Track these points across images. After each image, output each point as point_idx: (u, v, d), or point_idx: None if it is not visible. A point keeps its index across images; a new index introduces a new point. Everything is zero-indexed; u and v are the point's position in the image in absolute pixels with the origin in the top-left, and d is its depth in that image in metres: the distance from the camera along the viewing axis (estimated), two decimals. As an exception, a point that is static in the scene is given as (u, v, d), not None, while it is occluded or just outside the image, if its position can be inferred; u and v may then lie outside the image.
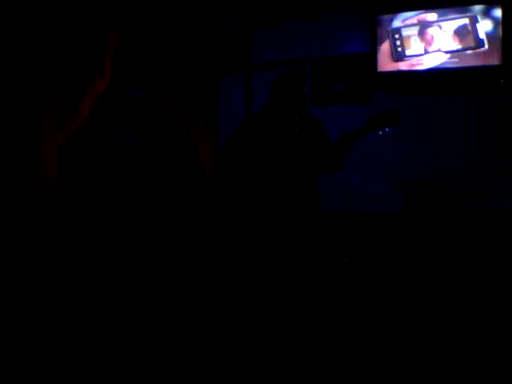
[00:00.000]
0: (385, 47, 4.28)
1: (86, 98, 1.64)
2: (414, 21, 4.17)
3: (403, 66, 4.24)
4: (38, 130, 1.71)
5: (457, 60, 4.03)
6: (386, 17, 4.26)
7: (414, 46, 4.19)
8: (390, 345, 2.81)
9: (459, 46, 4.01)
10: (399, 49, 4.23)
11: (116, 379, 1.99)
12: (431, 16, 4.11)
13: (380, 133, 2.86)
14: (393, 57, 4.26)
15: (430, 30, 4.12)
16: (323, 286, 2.89)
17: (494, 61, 3.90)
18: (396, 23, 4.23)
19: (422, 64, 4.17)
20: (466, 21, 3.98)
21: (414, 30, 4.17)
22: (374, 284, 3.72)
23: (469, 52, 3.99)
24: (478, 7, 3.92)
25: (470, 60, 3.98)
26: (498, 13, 3.87)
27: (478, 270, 3.61)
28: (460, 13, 3.99)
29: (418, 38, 4.17)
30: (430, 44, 4.13)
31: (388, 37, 4.26)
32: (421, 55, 4.17)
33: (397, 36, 4.23)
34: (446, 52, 4.07)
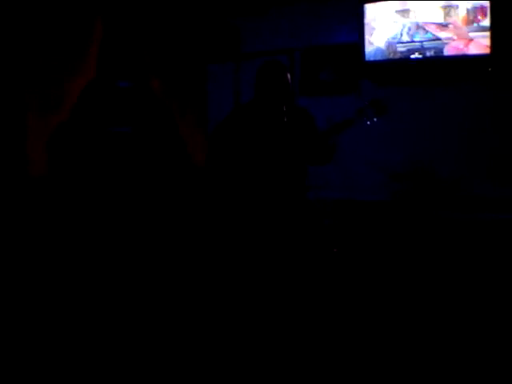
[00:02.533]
0: (372, 36, 4.28)
1: (69, 92, 1.65)
2: (401, 8, 4.16)
3: (391, 55, 4.24)
4: (25, 125, 1.71)
5: (445, 48, 4.04)
6: (373, 5, 4.25)
7: (400, 35, 4.19)
8: (382, 336, 2.83)
9: (448, 35, 4.02)
10: (386, 38, 4.23)
11: (116, 379, 2.00)
12: (418, 4, 4.11)
13: (368, 123, 2.86)
14: (380, 46, 4.26)
15: (417, 19, 4.12)
16: (313, 276, 2.90)
17: (483, 50, 3.91)
18: (382, 12, 4.23)
19: (409, 53, 4.17)
20: (454, 9, 3.99)
21: (401, 19, 4.17)
22: (365, 274, 3.74)
23: (458, 41, 4.00)
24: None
25: (459, 49, 4.00)
26: (486, 2, 3.88)
27: (468, 258, 3.65)
28: (449, 1, 4.00)
29: (404, 27, 4.17)
30: (417, 32, 4.13)
31: (375, 25, 4.25)
32: (408, 43, 4.17)
33: (384, 24, 4.23)
34: (434, 40, 4.07)
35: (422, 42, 4.12)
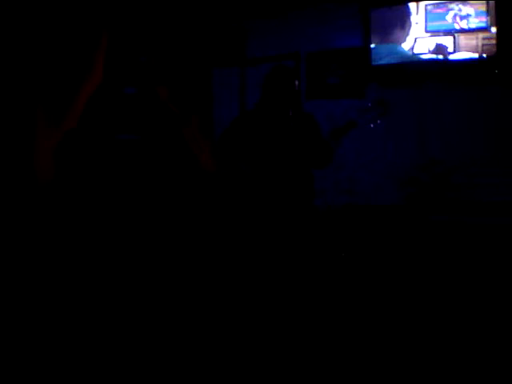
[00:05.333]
0: (378, 40, 4.29)
1: (78, 97, 1.67)
2: (406, 12, 4.17)
3: (397, 58, 4.24)
4: (33, 130, 1.72)
5: (452, 51, 4.04)
6: (379, 9, 4.26)
7: (406, 38, 4.20)
8: (389, 341, 2.83)
9: (454, 37, 4.02)
10: (393, 41, 4.24)
11: (116, 379, 2.01)
12: (422, 6, 4.11)
13: (371, 125, 2.86)
14: (386, 49, 4.27)
15: (422, 22, 4.13)
16: (321, 280, 2.91)
17: (489, 52, 3.91)
18: (388, 16, 4.24)
19: (415, 56, 4.18)
20: (461, 12, 3.99)
21: (406, 22, 4.18)
22: (372, 278, 3.74)
23: (464, 43, 4.00)
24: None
25: (466, 52, 4.00)
26: (492, 4, 3.88)
27: (475, 263, 3.63)
28: (456, 4, 4.01)
29: (409, 30, 4.18)
30: (423, 35, 4.13)
31: (381, 29, 4.26)
32: (414, 46, 4.17)
33: (389, 28, 4.24)
34: (440, 42, 4.08)
35: (427, 44, 4.12)
